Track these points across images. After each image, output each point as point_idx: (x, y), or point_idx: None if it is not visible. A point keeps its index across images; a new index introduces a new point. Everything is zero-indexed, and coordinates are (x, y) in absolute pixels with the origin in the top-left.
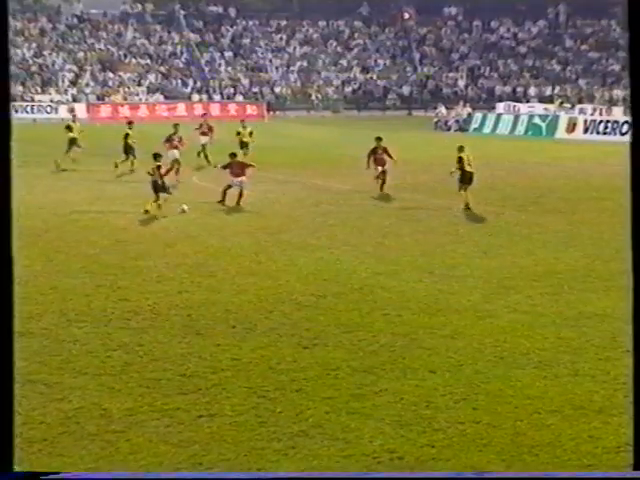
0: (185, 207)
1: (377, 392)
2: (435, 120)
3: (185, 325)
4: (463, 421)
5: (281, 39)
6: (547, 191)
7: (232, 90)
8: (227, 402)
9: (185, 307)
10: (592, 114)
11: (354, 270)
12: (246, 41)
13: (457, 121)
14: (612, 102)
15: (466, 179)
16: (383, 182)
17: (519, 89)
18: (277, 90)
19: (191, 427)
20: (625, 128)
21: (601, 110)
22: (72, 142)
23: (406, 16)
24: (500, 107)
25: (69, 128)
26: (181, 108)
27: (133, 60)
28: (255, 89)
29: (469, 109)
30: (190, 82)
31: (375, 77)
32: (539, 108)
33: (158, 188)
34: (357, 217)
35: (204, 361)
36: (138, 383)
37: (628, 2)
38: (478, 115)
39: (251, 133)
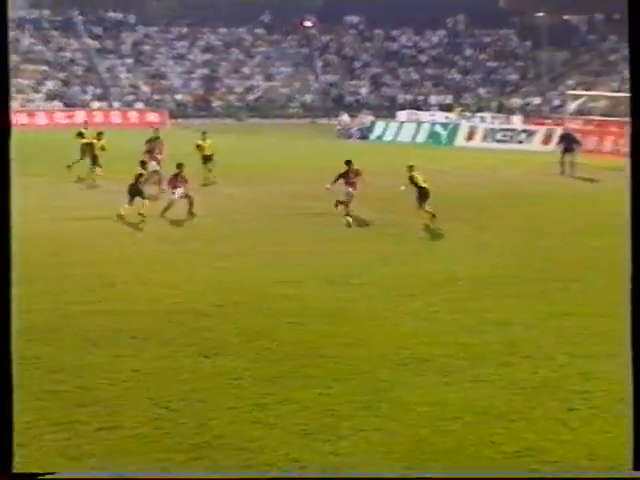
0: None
1: (281, 401)
2: (338, 128)
3: (83, 336)
4: (366, 429)
5: (182, 46)
6: (449, 198)
7: (133, 97)
8: (128, 414)
9: (83, 318)
10: (491, 122)
11: (256, 279)
12: (147, 48)
13: (359, 129)
14: (511, 110)
15: (423, 195)
16: (347, 205)
17: (420, 97)
18: (179, 97)
19: (90, 440)
20: (523, 136)
21: (500, 119)
22: None
23: (308, 24)
24: (402, 115)
25: None
26: (81, 115)
27: (31, 67)
28: (156, 96)
29: (372, 117)
30: (90, 89)
31: (278, 85)
32: (440, 116)
33: (135, 192)
34: (260, 226)
35: (103, 372)
36: (36, 396)
37: (628, 2)
38: (380, 123)
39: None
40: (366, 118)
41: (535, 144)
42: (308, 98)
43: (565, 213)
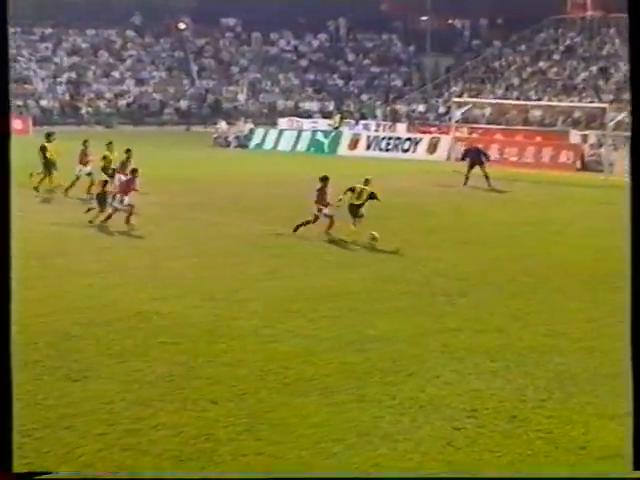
0: None
1: (154, 426)
2: (215, 136)
3: None
4: (246, 453)
5: (47, 48)
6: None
7: None
8: None
9: None
10: (375, 130)
11: (128, 296)
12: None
13: (237, 137)
14: (395, 118)
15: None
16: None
17: (301, 104)
18: (43, 103)
19: None
20: (407, 145)
21: (384, 126)
22: None
23: (182, 26)
24: (283, 122)
25: None
26: None
27: None
28: (19, 102)
29: (250, 124)
30: None
31: (150, 90)
32: (322, 124)
33: (102, 201)
34: (135, 238)
35: None
36: None
37: (628, 2)
38: (260, 131)
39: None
40: (244, 125)
41: (420, 153)
42: (183, 104)
43: (456, 224)
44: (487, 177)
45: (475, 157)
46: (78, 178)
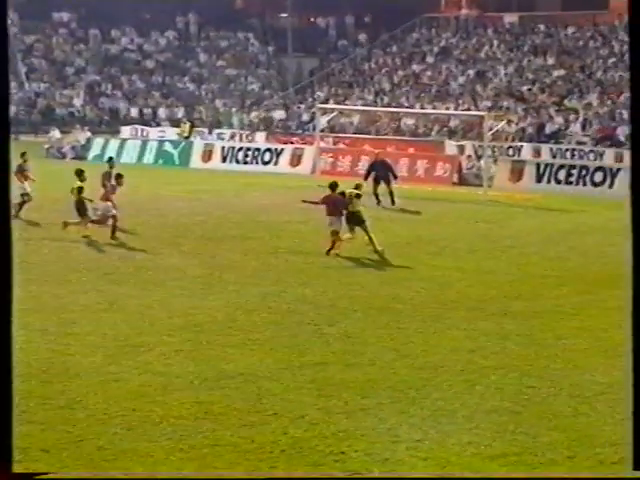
0: None
1: None
2: (46, 146)
3: None
4: None
5: None
6: (184, 230)
7: None
8: None
9: None
10: (231, 140)
11: None
12: None
13: (73, 147)
14: (253, 126)
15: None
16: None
17: (147, 110)
18: None
19: None
20: (267, 156)
21: (241, 136)
22: None
23: (8, 21)
24: (126, 131)
25: None
26: None
27: None
28: None
29: (88, 133)
30: None
31: None
32: (171, 133)
33: (82, 208)
34: None
35: None
36: None
37: (628, 2)
38: (99, 140)
39: None
40: (81, 134)
41: (282, 165)
42: (10, 110)
43: (322, 245)
44: (392, 194)
45: (381, 171)
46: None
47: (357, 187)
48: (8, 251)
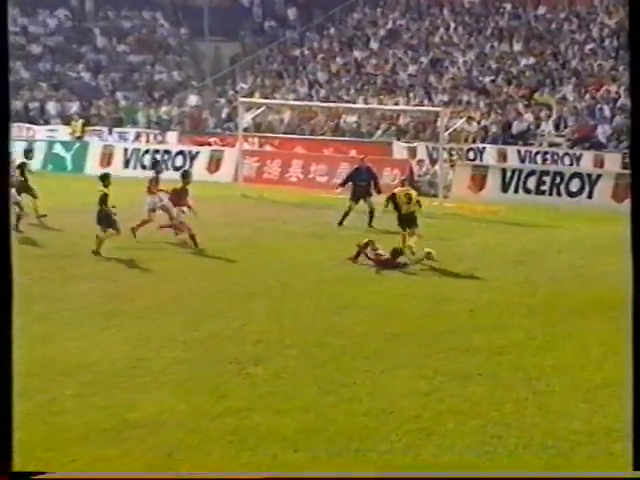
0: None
1: None
2: None
3: None
4: None
5: None
6: (76, 249)
7: None
8: None
9: None
10: (135, 141)
11: None
12: None
13: None
14: (163, 125)
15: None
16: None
17: (33, 104)
18: None
19: None
20: (179, 160)
21: (148, 136)
22: None
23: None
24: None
25: None
26: None
27: None
28: None
29: None
30: None
31: None
32: (63, 132)
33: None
34: None
35: None
36: None
37: (628, 2)
38: None
39: None
40: None
41: (198, 171)
42: None
43: (246, 268)
44: (372, 213)
45: (363, 183)
46: None
47: (403, 183)
48: (8, 250)
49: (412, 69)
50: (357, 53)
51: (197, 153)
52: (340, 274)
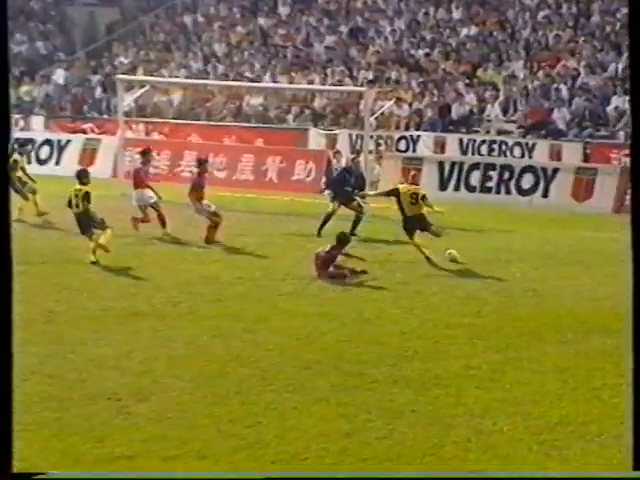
0: None
1: None
2: None
3: None
4: None
5: None
6: None
7: None
8: None
9: None
10: None
11: None
12: None
13: None
14: (23, 107)
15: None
16: None
17: None
18: None
19: None
20: (45, 152)
21: (14, 121)
22: None
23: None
24: None
25: None
26: None
27: None
28: None
29: None
30: None
31: None
32: None
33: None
34: None
35: None
36: None
37: (629, 2)
38: None
39: None
40: None
41: (68, 165)
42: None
43: (117, 286)
44: (357, 222)
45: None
46: None
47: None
48: (8, 249)
49: (329, 40)
50: (262, 20)
51: (67, 142)
52: (243, 290)
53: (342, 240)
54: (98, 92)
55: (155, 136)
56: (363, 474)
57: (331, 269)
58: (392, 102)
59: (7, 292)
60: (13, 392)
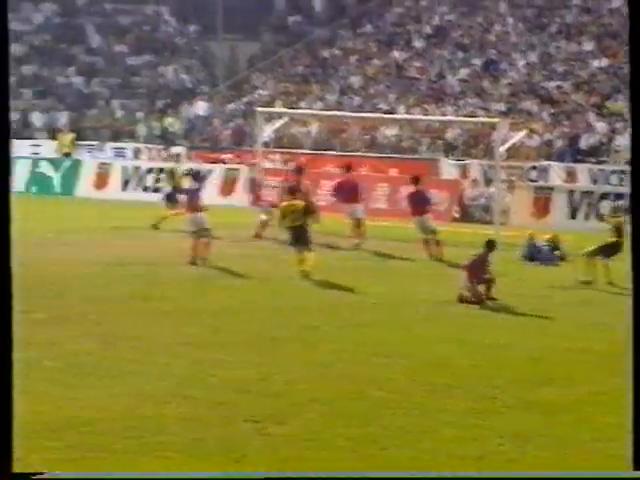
0: None
1: None
2: None
3: None
4: None
5: None
6: (62, 286)
7: None
8: None
9: None
10: (135, 158)
11: None
12: None
13: None
14: (167, 139)
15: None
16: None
17: (14, 115)
18: None
19: None
20: (187, 182)
21: (151, 151)
22: None
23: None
24: None
25: None
26: None
27: None
28: None
29: None
30: None
31: None
32: (49, 148)
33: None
34: None
35: None
36: None
37: (628, 2)
38: None
39: None
40: None
41: (209, 194)
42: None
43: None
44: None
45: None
46: None
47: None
48: (7, 250)
49: (463, 73)
50: (397, 54)
51: (208, 172)
52: (380, 315)
53: (491, 245)
54: (238, 123)
55: (292, 167)
56: (365, 474)
57: (470, 293)
58: (523, 133)
59: (7, 292)
60: (13, 393)
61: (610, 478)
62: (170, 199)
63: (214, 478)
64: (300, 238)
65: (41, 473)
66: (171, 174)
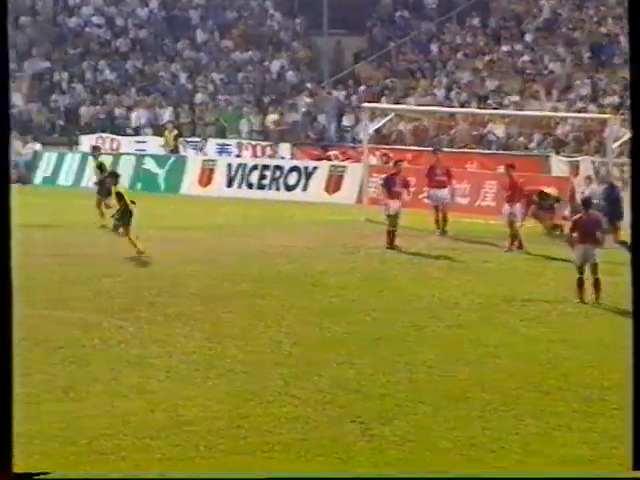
0: None
1: None
2: None
3: None
4: None
5: None
6: (172, 284)
7: None
8: None
9: None
10: (240, 155)
11: None
12: None
13: (15, 165)
14: (271, 135)
15: None
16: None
17: (119, 111)
18: None
19: None
20: (293, 178)
21: (255, 148)
22: None
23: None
24: (88, 141)
25: None
26: None
27: None
28: None
29: (36, 144)
30: None
31: None
32: (154, 144)
33: None
34: None
35: None
36: None
37: (628, 2)
38: (50, 155)
39: None
40: (26, 146)
41: (315, 191)
42: None
43: (370, 305)
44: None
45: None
46: None
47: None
48: (7, 250)
49: (572, 67)
50: (505, 47)
51: (314, 169)
52: (485, 315)
53: (587, 203)
54: (343, 120)
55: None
56: (365, 474)
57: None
58: None
59: (7, 292)
60: (13, 393)
61: (610, 478)
62: None
63: (212, 478)
64: None
65: (42, 473)
66: None
